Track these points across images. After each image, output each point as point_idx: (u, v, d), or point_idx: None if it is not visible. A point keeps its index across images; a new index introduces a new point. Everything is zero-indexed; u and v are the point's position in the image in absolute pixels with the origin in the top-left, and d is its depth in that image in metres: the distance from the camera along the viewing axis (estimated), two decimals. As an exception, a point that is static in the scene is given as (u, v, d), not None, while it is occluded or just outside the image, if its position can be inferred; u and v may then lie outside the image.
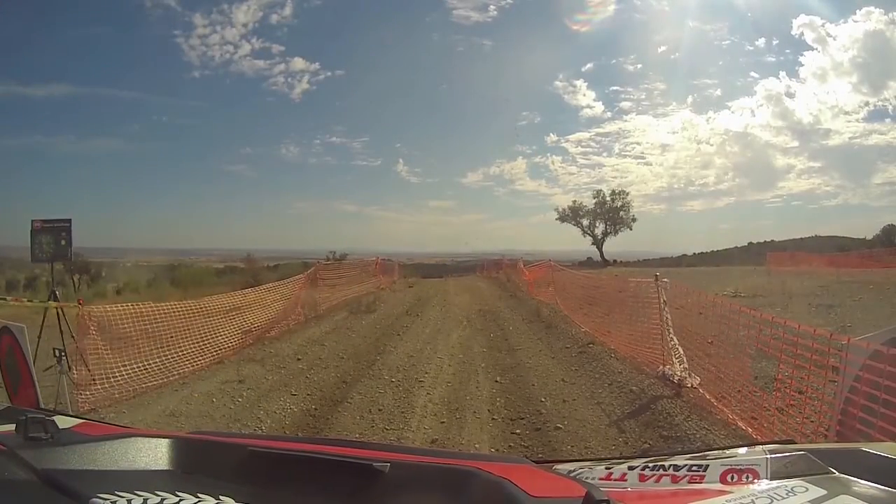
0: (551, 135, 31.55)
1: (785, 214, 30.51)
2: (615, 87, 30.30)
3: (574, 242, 32.70)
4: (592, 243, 32.94)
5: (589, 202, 32.37)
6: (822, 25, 26.53)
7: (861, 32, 26.31)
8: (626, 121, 30.09)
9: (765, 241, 28.78)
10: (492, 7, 29.40)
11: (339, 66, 28.00)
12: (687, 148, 31.19)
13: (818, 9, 26.56)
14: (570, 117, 32.85)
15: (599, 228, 32.72)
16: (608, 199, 31.92)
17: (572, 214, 32.34)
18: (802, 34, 26.86)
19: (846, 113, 27.58)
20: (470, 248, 33.66)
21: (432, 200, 34.16)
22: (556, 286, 16.29)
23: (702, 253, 29.91)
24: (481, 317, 14.22)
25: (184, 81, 29.69)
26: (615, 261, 31.94)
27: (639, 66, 29.38)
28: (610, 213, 32.30)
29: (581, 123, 32.61)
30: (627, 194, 31.83)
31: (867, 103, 27.14)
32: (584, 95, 29.78)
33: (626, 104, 29.92)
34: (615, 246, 32.31)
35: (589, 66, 29.56)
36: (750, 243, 29.21)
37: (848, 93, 27.68)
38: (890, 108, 27.02)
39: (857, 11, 26.10)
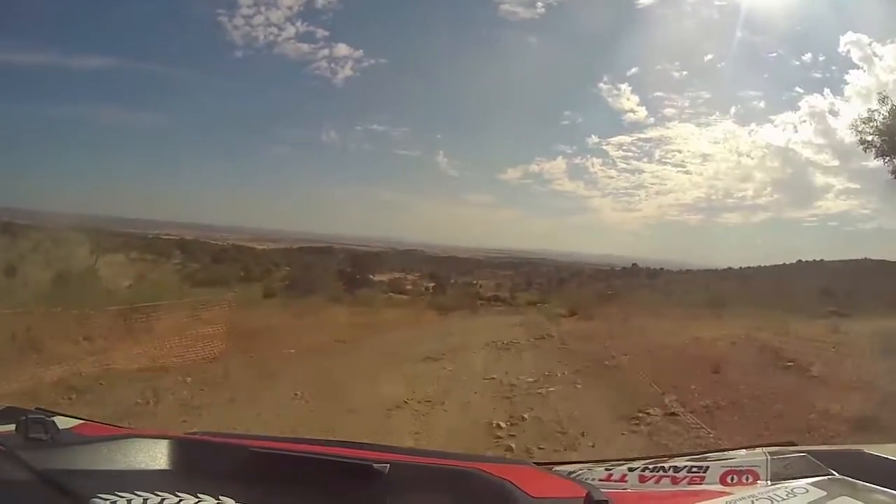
0: (593, 136, 30.90)
1: (820, 234, 29.08)
2: (659, 93, 29.46)
3: (616, 247, 32.07)
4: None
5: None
6: (870, 44, 25.49)
7: None
8: (668, 127, 29.37)
9: (815, 261, 27.65)
10: (539, 4, 29.17)
11: (383, 54, 28.11)
12: (728, 159, 30.22)
13: (866, 27, 25.48)
14: (612, 120, 32.04)
15: None
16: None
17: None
18: (849, 52, 25.82)
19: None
20: (503, 244, 33.13)
21: (470, 194, 33.79)
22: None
23: (748, 268, 28.89)
24: None
25: (226, 61, 30.23)
26: (661, 269, 31.07)
27: (684, 73, 28.61)
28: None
29: (623, 127, 31.85)
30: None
31: None
32: (628, 100, 29.07)
33: (669, 111, 29.26)
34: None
35: (634, 70, 28.90)
36: (799, 261, 28.01)
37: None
38: None
39: None
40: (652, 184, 30.82)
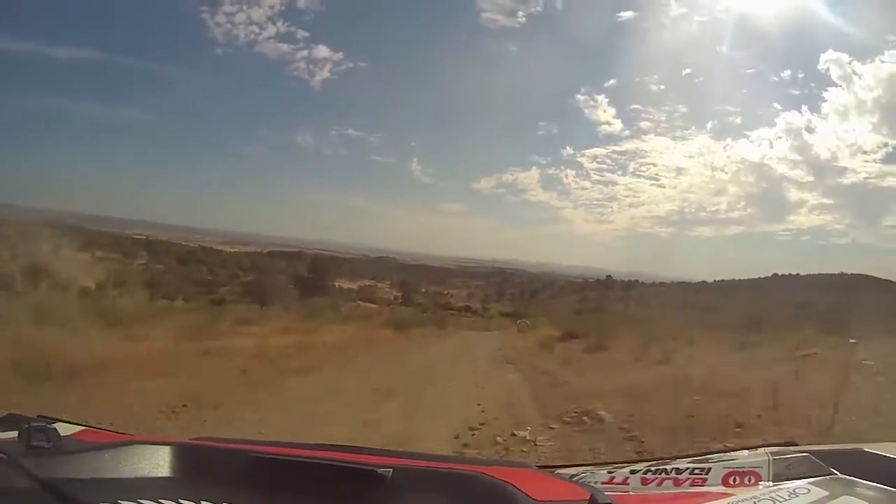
0: (568, 147, 31.63)
1: (793, 248, 30.58)
2: (636, 106, 30.40)
3: (588, 259, 32.19)
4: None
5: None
6: (849, 63, 26.41)
7: (887, 73, 26.23)
8: (643, 140, 30.26)
9: (790, 274, 28.18)
10: (520, 13, 29.53)
11: (362, 58, 28.21)
12: (702, 173, 31.35)
13: (847, 46, 26.38)
14: (587, 132, 33.20)
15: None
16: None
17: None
18: (829, 69, 26.79)
19: (864, 152, 27.66)
20: (475, 254, 33.08)
21: (444, 203, 34.01)
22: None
23: (722, 281, 29.38)
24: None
25: (207, 58, 30.04)
26: (635, 281, 31.08)
27: (662, 86, 29.39)
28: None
29: (598, 139, 32.95)
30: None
31: (886, 144, 27.22)
32: (605, 111, 29.90)
33: (645, 124, 30.10)
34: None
35: (612, 81, 29.68)
36: (774, 275, 28.64)
37: (868, 132, 27.79)
38: None
39: (885, 52, 25.90)
40: (625, 196, 31.51)
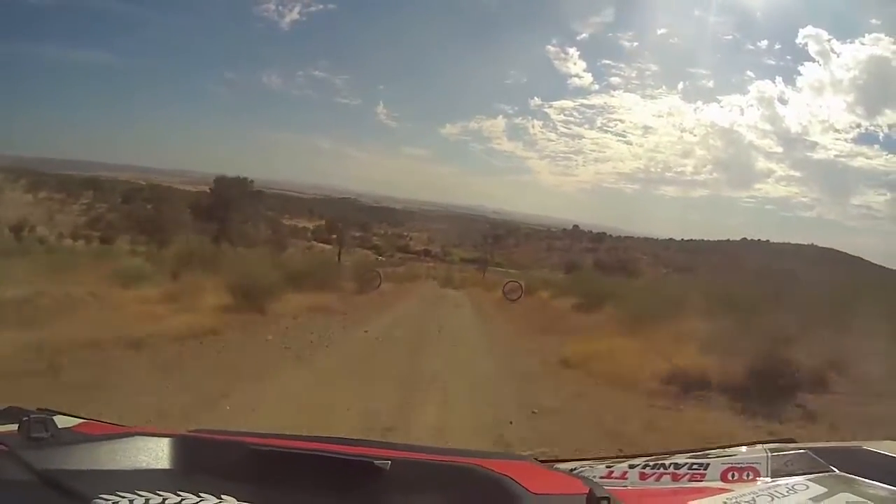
0: (535, 98, 30.93)
1: (757, 216, 29.64)
2: (607, 61, 29.56)
3: (552, 210, 32.19)
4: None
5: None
6: (829, 41, 26.09)
7: (866, 55, 25.79)
8: (612, 96, 29.48)
9: (759, 241, 27.93)
10: None
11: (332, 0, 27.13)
12: (670, 133, 30.66)
13: (827, 24, 26.01)
14: (557, 84, 32.22)
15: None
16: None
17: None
18: (807, 45, 26.33)
19: (836, 130, 27.28)
20: (438, 199, 32.94)
21: (408, 147, 33.44)
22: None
23: (690, 240, 29.10)
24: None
25: None
26: (603, 233, 30.72)
27: (635, 44, 28.77)
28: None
29: (567, 92, 32.02)
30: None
31: (859, 125, 26.83)
32: (575, 64, 28.98)
33: (615, 80, 29.41)
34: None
35: (584, 35, 28.88)
36: (744, 239, 28.39)
37: (842, 111, 27.12)
38: (881, 134, 26.54)
39: (867, 35, 25.63)
40: (591, 150, 31.03)
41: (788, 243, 27.03)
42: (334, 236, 29.11)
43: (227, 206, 26.07)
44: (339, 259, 24.73)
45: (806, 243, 26.28)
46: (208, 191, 26.50)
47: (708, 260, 27.11)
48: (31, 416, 1.41)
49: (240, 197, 27.38)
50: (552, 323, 13.82)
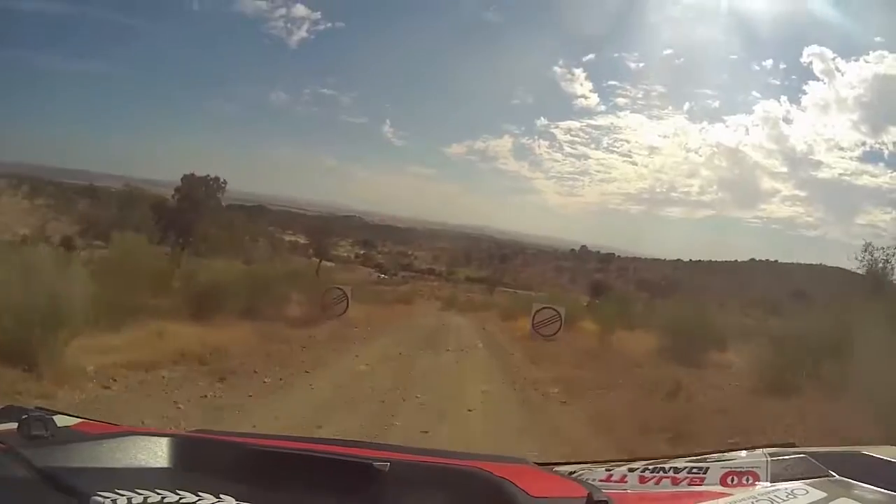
0: (542, 118, 31.34)
1: (763, 236, 29.75)
2: (613, 82, 30.09)
3: (557, 230, 32.10)
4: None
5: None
6: (833, 59, 26.36)
7: (870, 73, 26.14)
8: (619, 117, 30.07)
9: (768, 261, 28.16)
10: None
11: (340, 18, 27.57)
12: (675, 154, 31.04)
13: (832, 42, 26.37)
14: (563, 104, 32.78)
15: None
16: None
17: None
18: (811, 63, 26.65)
19: (841, 148, 27.55)
20: (442, 218, 32.86)
21: (413, 166, 33.66)
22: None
23: (699, 261, 29.38)
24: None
25: (183, 12, 29.03)
26: (612, 254, 30.67)
27: (641, 64, 29.13)
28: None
29: (573, 112, 32.76)
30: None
31: (864, 143, 27.12)
32: (581, 85, 29.59)
33: (621, 100, 29.84)
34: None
35: (591, 56, 29.34)
36: (752, 259, 28.68)
37: (846, 129, 27.52)
38: (886, 152, 26.96)
39: (871, 53, 25.94)
40: (597, 171, 31.37)
41: (797, 263, 27.13)
42: (337, 253, 29.18)
43: (232, 224, 26.30)
44: (316, 274, 23.44)
45: (816, 263, 26.09)
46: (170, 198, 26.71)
47: (722, 282, 26.97)
48: (31, 414, 1.42)
49: (251, 214, 27.71)
50: (661, 400, 7.94)
